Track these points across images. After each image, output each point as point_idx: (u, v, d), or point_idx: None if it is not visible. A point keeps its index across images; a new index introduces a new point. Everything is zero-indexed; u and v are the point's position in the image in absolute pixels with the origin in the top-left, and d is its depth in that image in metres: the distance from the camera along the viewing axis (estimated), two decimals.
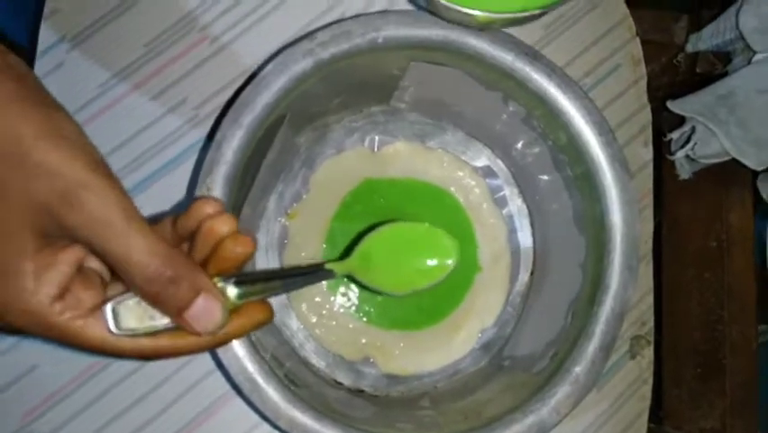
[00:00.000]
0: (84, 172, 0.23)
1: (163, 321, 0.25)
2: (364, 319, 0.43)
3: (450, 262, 0.33)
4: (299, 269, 0.30)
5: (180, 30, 0.44)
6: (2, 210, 0.23)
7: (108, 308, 0.24)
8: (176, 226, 0.26)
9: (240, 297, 0.25)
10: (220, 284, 0.25)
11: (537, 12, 0.33)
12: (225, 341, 0.26)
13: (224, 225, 0.25)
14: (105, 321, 0.24)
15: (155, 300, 0.24)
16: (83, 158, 0.23)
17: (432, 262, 0.33)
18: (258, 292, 0.26)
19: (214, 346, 0.26)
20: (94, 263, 0.26)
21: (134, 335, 0.25)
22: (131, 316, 0.24)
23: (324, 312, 0.43)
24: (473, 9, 0.32)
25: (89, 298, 0.25)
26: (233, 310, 0.26)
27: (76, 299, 0.24)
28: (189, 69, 0.44)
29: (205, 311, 0.24)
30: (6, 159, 0.22)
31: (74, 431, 0.40)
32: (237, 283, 0.25)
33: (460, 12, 0.32)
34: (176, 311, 0.24)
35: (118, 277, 0.25)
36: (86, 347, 0.25)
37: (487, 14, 0.32)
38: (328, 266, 0.31)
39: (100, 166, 0.23)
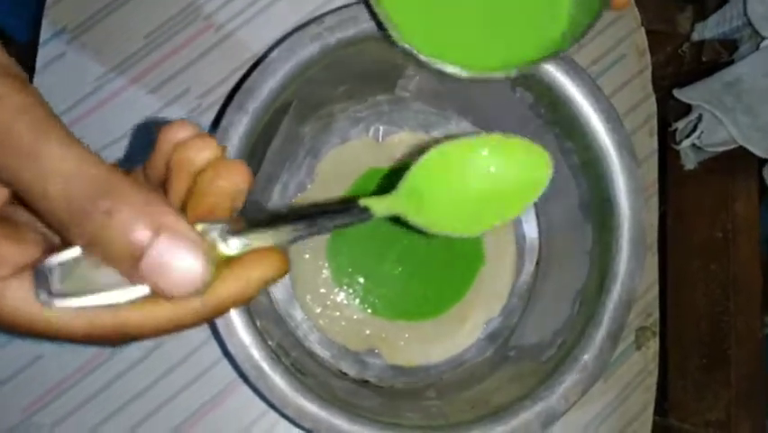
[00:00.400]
0: None
1: (135, 288, 0.17)
2: (369, 310, 0.43)
3: (544, 176, 0.25)
4: (322, 206, 0.22)
5: (182, 20, 0.44)
6: None
7: (44, 267, 0.17)
8: (147, 173, 0.19)
9: (238, 248, 0.18)
10: (201, 227, 0.17)
11: (514, 73, 0.29)
12: (220, 309, 0.18)
13: (199, 151, 0.18)
14: (37, 288, 0.17)
15: (91, 247, 0.16)
16: None
17: (516, 187, 0.25)
18: (261, 241, 0.19)
19: (204, 318, 0.18)
20: (24, 217, 0.19)
21: (85, 306, 0.17)
22: (78, 281, 0.17)
23: (328, 303, 0.43)
24: (452, 66, 0.29)
25: (14, 254, 0.17)
26: (225, 261, 0.18)
27: None
28: (192, 59, 0.43)
29: (175, 258, 0.16)
30: None
31: (77, 422, 0.40)
32: (230, 231, 0.18)
33: (436, 67, 0.29)
34: (125, 261, 0.16)
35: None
36: (8, 327, 0.17)
37: (461, 72, 0.29)
38: (363, 203, 0.22)
39: None
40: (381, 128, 0.44)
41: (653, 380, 0.44)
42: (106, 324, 0.17)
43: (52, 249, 0.18)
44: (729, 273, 0.46)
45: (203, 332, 0.41)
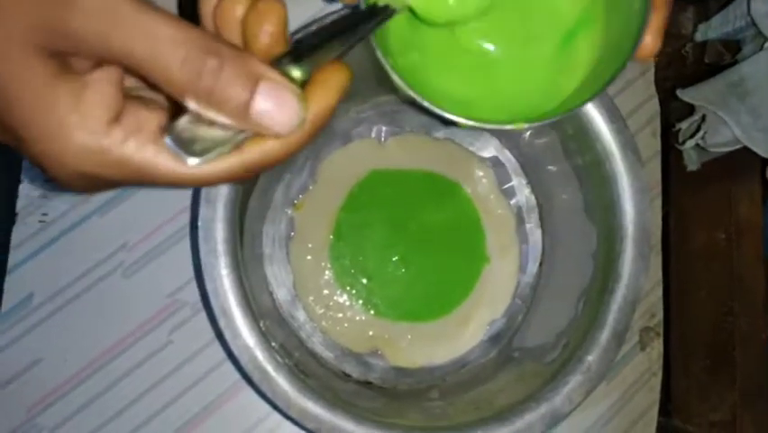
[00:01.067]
0: None
1: (236, 132, 0.20)
2: (371, 312, 0.43)
3: None
4: (352, 17, 0.24)
5: None
6: None
7: (168, 140, 0.19)
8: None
9: (304, 73, 0.20)
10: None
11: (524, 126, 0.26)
12: (318, 128, 0.21)
13: (236, 4, 0.20)
14: (174, 152, 0.19)
15: (209, 103, 0.19)
16: None
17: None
18: (319, 61, 0.21)
19: (307, 139, 0.21)
20: (144, 92, 0.21)
21: (210, 156, 0.19)
22: (198, 137, 0.19)
23: (330, 304, 0.43)
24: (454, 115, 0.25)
25: (154, 118, 0.20)
26: (302, 85, 0.21)
27: (136, 120, 0.19)
28: None
29: (275, 101, 0.19)
30: None
31: (79, 425, 0.39)
32: (294, 60, 0.20)
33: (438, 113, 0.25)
34: (239, 112, 0.19)
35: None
36: (165, 183, 0.20)
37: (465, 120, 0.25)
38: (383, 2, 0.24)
39: None
40: (384, 129, 0.44)
41: (657, 380, 0.44)
42: (235, 164, 0.20)
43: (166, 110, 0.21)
44: (733, 274, 0.46)
45: (206, 334, 0.41)
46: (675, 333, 0.47)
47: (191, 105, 0.19)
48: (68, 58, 0.19)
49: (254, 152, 0.20)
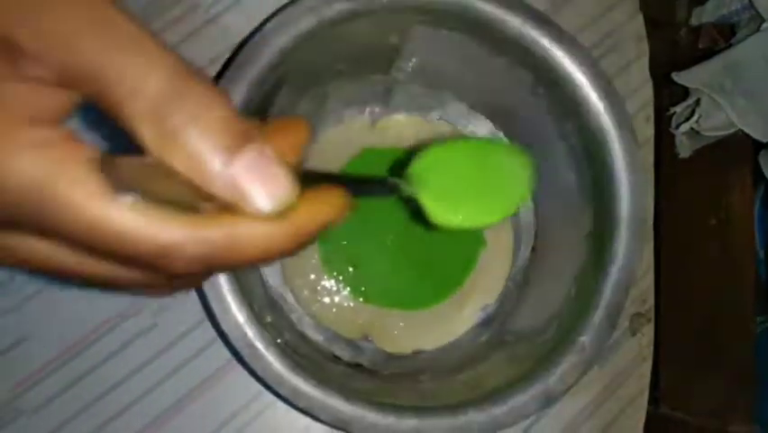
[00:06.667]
0: None
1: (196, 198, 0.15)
2: (360, 299, 0.42)
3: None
4: (358, 176, 0.25)
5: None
6: None
7: (114, 162, 0.14)
8: None
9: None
10: None
11: None
12: (303, 234, 0.17)
13: None
14: (102, 183, 0.14)
15: (174, 142, 0.14)
16: None
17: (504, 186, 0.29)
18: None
19: (291, 245, 0.17)
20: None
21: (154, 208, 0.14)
22: (142, 186, 0.14)
23: (318, 288, 0.42)
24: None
25: (85, 148, 0.15)
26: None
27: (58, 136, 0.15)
28: (183, 36, 0.42)
29: (262, 169, 0.15)
30: None
31: (62, 406, 0.38)
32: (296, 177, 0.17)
33: None
34: (222, 152, 0.15)
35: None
36: (70, 221, 0.14)
37: None
38: (395, 180, 0.26)
39: None
40: (377, 110, 0.43)
41: (647, 366, 0.44)
42: (183, 235, 0.15)
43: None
44: (723, 262, 0.46)
45: (194, 315, 0.40)
46: (664, 320, 0.47)
47: (149, 138, 0.15)
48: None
49: (216, 232, 0.15)
